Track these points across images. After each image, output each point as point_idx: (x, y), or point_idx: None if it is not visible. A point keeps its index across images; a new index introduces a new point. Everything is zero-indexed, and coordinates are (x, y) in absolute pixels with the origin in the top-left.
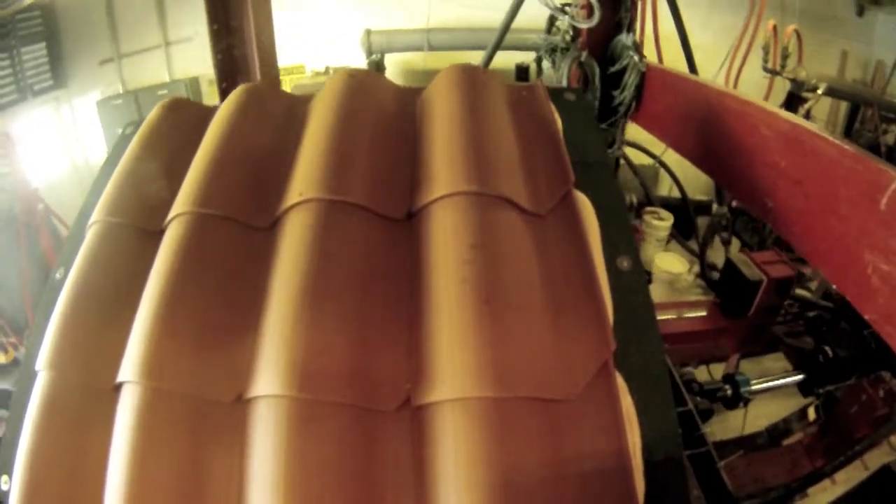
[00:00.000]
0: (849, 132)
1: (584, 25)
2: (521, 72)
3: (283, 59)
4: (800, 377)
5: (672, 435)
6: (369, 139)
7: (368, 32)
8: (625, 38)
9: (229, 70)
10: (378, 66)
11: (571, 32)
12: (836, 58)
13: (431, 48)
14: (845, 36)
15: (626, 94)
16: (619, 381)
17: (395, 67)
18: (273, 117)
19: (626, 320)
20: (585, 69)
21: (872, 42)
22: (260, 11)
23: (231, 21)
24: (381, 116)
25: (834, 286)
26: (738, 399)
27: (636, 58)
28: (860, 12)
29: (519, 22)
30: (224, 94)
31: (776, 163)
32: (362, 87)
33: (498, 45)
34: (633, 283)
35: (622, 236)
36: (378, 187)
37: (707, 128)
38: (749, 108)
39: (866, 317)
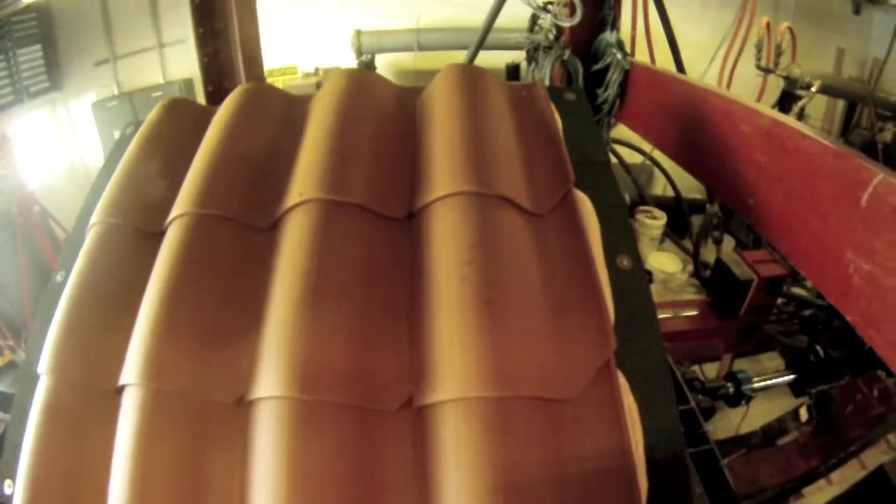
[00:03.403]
0: (846, 130)
1: (566, 23)
2: (512, 71)
3: (275, 61)
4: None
5: (674, 433)
6: (369, 139)
7: (358, 33)
8: (608, 36)
9: (215, 73)
10: (368, 67)
11: (554, 31)
12: (832, 55)
13: (421, 48)
14: (841, 33)
15: (609, 93)
16: (621, 379)
17: (386, 68)
18: (273, 117)
19: (626, 319)
20: (568, 68)
21: (869, 39)
22: (245, 15)
23: (216, 25)
24: (381, 117)
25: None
26: (740, 397)
27: (619, 55)
28: (856, 10)
29: (504, 21)
30: (210, 96)
31: (757, 160)
32: (361, 87)
33: (480, 45)
34: (633, 281)
35: (622, 235)
36: (378, 187)
37: (690, 125)
38: (731, 105)
39: (848, 318)
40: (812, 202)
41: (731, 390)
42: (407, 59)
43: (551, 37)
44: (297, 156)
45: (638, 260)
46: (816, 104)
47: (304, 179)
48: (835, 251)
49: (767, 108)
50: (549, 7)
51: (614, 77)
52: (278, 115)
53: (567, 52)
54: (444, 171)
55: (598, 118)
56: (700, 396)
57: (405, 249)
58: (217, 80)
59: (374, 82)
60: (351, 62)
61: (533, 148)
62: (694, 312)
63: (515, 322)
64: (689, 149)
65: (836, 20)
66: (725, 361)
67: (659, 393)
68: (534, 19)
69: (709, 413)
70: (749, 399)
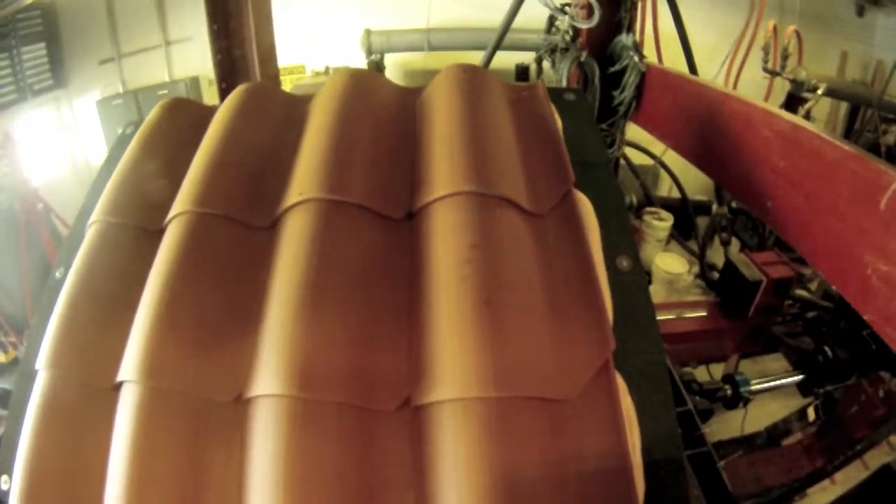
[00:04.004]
0: (849, 133)
1: (583, 25)
2: (521, 72)
3: (284, 59)
4: (799, 377)
5: (672, 435)
6: (369, 139)
7: (368, 32)
8: (625, 39)
9: (229, 70)
10: (378, 66)
11: (571, 32)
12: (836, 58)
13: (431, 48)
14: (845, 36)
15: (625, 95)
16: (619, 380)
17: (395, 67)
18: (273, 117)
19: (625, 320)
20: (585, 69)
21: (873, 42)
22: (260, 12)
23: (231, 21)
24: (382, 116)
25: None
26: (737, 399)
27: (636, 58)
28: (860, 13)
29: (519, 22)
30: (224, 94)
31: (776, 163)
32: (362, 86)
33: (498, 46)
34: (632, 282)
35: (622, 236)
36: (378, 187)
37: (707, 128)
38: (749, 108)
39: (866, 318)
40: (831, 205)
41: (729, 392)
42: (417, 59)
43: (568, 38)
44: (297, 155)
45: (637, 261)
46: (820, 107)
47: (304, 179)
48: (853, 253)
49: (786, 113)
50: (567, 9)
51: (631, 79)
52: (279, 114)
53: (584, 54)
54: (444, 171)
55: (614, 120)
56: (698, 398)
57: (405, 249)
58: (231, 77)
59: (375, 82)
60: (361, 62)
61: (533, 148)
62: (703, 313)
63: (515, 322)
64: (707, 151)
65: (840, 23)
66: (732, 362)
67: (657, 394)
68: (551, 21)
69: (706, 415)
70: (747, 401)
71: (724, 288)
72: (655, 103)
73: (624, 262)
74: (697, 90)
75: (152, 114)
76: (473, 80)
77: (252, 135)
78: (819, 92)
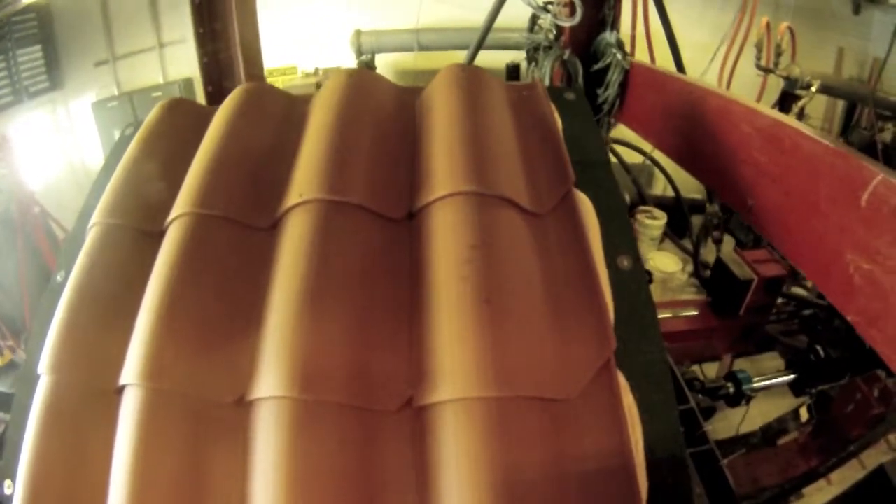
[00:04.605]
0: (845, 130)
1: (566, 23)
2: (512, 70)
3: (275, 61)
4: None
5: (674, 433)
6: (369, 139)
7: (358, 33)
8: (608, 36)
9: (215, 73)
10: (368, 67)
11: (554, 31)
12: (832, 55)
13: (421, 48)
14: (841, 33)
15: (609, 93)
16: (621, 379)
17: (386, 68)
18: (273, 117)
19: (627, 319)
20: (568, 67)
21: (869, 39)
22: (244, 15)
23: (216, 25)
24: (381, 116)
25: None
26: (740, 396)
27: (619, 55)
28: (856, 9)
29: (504, 21)
30: (210, 97)
31: (756, 159)
32: (362, 86)
33: (480, 45)
34: (633, 281)
35: (623, 235)
36: (378, 188)
37: (690, 125)
38: (730, 104)
39: (848, 318)
40: (812, 202)
41: (732, 390)
42: (407, 59)
43: (551, 37)
44: (296, 156)
45: (638, 260)
46: (816, 104)
47: (304, 180)
48: (835, 251)
49: (767, 108)
50: (550, 7)
51: (614, 77)
52: (278, 114)
53: (567, 52)
54: (444, 172)
55: (598, 118)
56: (700, 396)
57: (405, 250)
58: (217, 80)
59: (375, 82)
60: (351, 62)
61: (533, 148)
62: (694, 312)
63: (515, 322)
64: (689, 149)
65: (836, 20)
66: (726, 361)
67: (659, 393)
68: (534, 19)
69: (709, 413)
70: (749, 399)
71: (716, 287)
72: (639, 101)
73: (625, 262)
74: (680, 87)
75: (152, 114)
76: (473, 80)
77: (252, 135)
78: (813, 89)
